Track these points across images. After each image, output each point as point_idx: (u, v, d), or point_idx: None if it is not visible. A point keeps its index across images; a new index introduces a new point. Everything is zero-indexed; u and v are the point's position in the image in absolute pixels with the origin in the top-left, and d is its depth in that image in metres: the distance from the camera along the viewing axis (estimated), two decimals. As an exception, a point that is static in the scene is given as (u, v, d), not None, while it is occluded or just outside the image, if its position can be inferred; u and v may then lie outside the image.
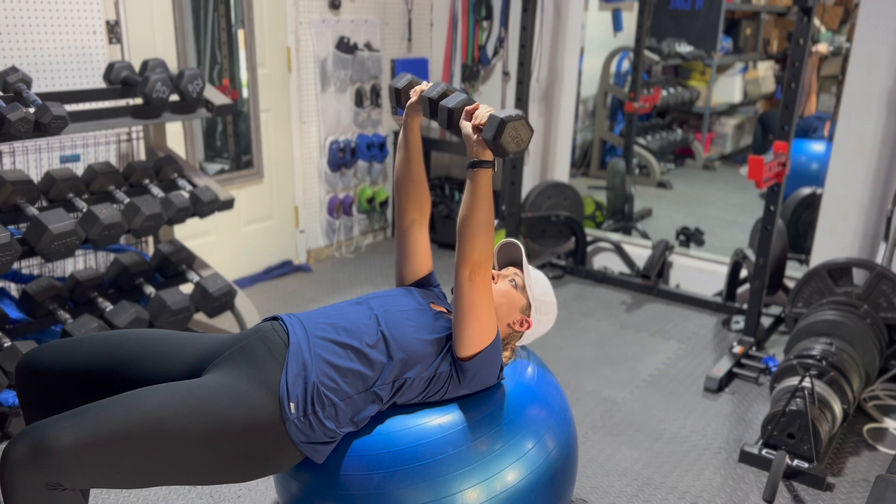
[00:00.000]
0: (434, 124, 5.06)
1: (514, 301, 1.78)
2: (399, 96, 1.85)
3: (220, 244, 3.93)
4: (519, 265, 1.86)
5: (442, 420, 1.64)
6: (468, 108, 1.61)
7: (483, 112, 1.57)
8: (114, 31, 3.17)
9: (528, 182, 4.57)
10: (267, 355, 1.59)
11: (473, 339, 1.61)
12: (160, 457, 1.40)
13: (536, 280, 1.83)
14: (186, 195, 2.85)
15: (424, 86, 1.79)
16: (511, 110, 1.53)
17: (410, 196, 1.88)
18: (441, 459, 1.59)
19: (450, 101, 1.66)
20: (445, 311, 1.82)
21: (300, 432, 1.54)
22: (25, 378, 1.63)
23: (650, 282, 4.04)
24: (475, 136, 1.56)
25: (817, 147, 4.88)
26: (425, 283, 1.92)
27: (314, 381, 1.55)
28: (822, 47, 4.96)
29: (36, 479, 1.28)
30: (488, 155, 1.56)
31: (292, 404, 1.53)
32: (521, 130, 1.52)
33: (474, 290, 1.58)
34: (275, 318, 1.71)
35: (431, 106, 1.72)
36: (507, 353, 1.82)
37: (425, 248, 1.92)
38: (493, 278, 1.81)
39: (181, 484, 1.49)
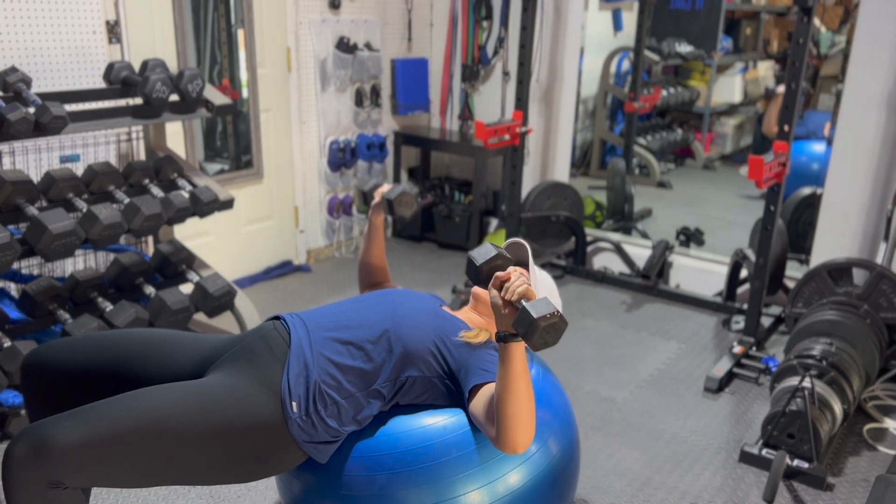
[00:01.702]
0: (434, 124, 5.06)
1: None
2: (366, 198, 2.12)
3: (220, 244, 3.93)
4: (525, 265, 1.86)
5: (446, 422, 1.64)
6: (499, 274, 1.47)
7: (515, 287, 1.42)
8: (114, 31, 3.17)
9: (528, 182, 4.57)
10: (268, 355, 1.59)
11: None
12: (161, 456, 1.40)
13: (542, 281, 1.83)
14: (186, 195, 2.84)
15: (386, 188, 2.04)
16: (545, 304, 1.36)
17: (371, 279, 2.11)
18: (445, 462, 1.59)
19: (478, 257, 1.53)
20: (448, 309, 1.82)
21: (303, 432, 1.54)
22: (29, 376, 1.63)
23: (650, 282, 4.04)
24: (505, 311, 1.42)
25: (817, 147, 4.88)
26: None
27: (316, 380, 1.55)
28: (781, 89, 4.74)
29: (37, 478, 1.28)
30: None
31: (294, 403, 1.53)
32: (554, 330, 1.36)
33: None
34: (277, 318, 1.71)
35: (388, 205, 1.99)
36: None
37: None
38: None
39: (183, 484, 1.49)
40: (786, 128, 3.04)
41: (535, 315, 1.34)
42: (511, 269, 1.48)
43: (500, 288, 1.46)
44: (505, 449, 1.46)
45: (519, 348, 1.43)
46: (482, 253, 1.55)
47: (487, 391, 1.54)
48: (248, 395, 1.51)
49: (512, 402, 1.42)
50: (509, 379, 1.42)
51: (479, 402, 1.54)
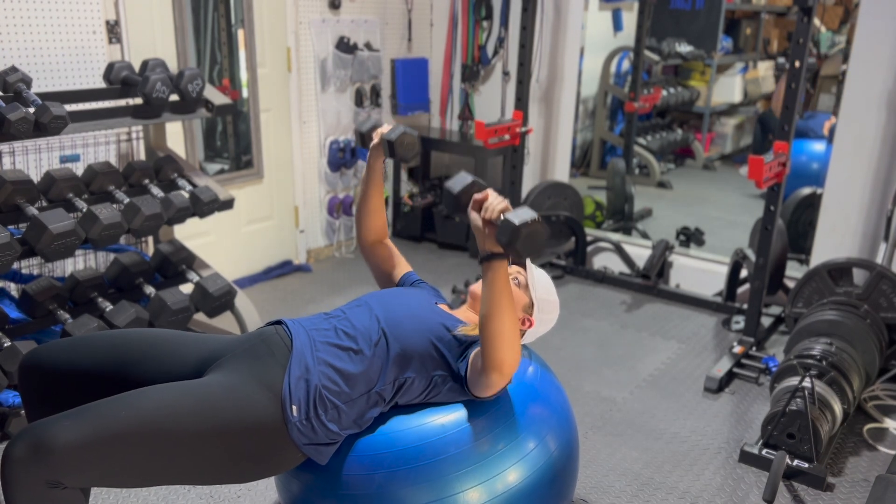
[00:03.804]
0: (434, 124, 5.06)
1: (517, 300, 1.78)
2: (364, 139, 1.95)
3: (220, 244, 3.93)
4: (522, 264, 1.87)
5: (444, 420, 1.64)
6: (477, 196, 1.52)
7: (494, 206, 1.48)
8: (114, 31, 3.17)
9: (528, 182, 4.57)
10: (270, 358, 1.59)
11: (493, 392, 1.61)
12: (161, 456, 1.40)
13: (539, 279, 1.83)
14: (186, 195, 2.84)
15: (386, 128, 1.87)
16: (525, 211, 1.40)
17: (368, 226, 1.98)
18: (443, 459, 1.59)
19: (455, 186, 1.56)
20: (447, 307, 1.83)
21: (302, 434, 1.54)
22: (28, 376, 1.63)
23: (650, 282, 4.04)
24: (486, 231, 1.48)
25: (817, 147, 4.88)
26: (406, 283, 1.97)
27: (316, 384, 1.56)
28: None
29: (37, 478, 1.28)
30: (500, 247, 1.47)
31: (294, 407, 1.53)
32: (536, 235, 1.40)
33: (504, 381, 1.54)
34: (279, 323, 1.72)
35: (389, 146, 1.80)
36: None
37: (392, 257, 2.01)
38: None
39: (182, 483, 1.49)
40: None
41: (516, 222, 1.39)
42: (488, 190, 1.53)
43: (479, 211, 1.51)
44: (491, 370, 1.49)
45: (502, 267, 1.47)
46: (458, 181, 1.59)
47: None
48: (248, 397, 1.51)
49: (496, 321, 1.46)
50: (493, 298, 1.47)
51: (475, 359, 1.58)
